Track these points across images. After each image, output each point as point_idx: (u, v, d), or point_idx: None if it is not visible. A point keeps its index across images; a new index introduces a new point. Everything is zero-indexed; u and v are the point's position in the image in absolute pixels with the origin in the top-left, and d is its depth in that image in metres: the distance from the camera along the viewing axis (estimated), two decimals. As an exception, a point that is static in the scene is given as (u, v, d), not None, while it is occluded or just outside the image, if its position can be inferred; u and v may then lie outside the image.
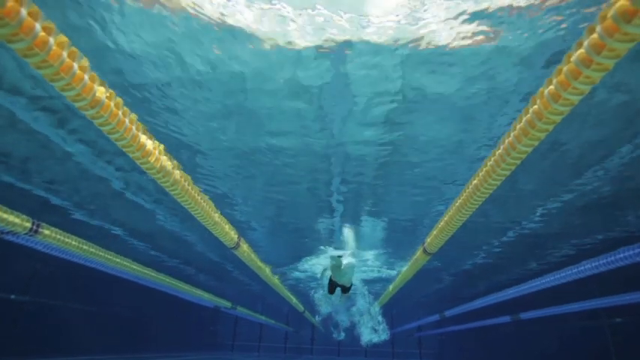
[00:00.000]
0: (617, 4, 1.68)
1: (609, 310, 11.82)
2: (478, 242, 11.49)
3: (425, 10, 4.27)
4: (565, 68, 2.24)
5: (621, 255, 6.65)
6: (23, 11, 1.85)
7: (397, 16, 4.35)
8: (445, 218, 6.06)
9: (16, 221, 6.14)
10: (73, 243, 7.25)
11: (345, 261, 10.92)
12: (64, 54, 2.23)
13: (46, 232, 6.59)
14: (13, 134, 6.49)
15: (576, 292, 11.47)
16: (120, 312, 18.58)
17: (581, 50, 2.04)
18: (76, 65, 2.37)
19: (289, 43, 4.70)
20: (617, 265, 6.96)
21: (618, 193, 7.48)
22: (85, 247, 7.81)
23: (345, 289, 11.93)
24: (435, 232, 6.77)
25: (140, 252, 13.30)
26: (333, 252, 12.16)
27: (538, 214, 8.95)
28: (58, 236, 6.80)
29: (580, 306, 11.36)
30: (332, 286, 11.83)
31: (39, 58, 2.08)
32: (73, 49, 2.31)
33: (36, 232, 6.39)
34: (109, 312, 17.69)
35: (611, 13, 1.75)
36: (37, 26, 1.96)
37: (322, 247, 12.42)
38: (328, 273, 11.86)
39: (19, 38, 1.90)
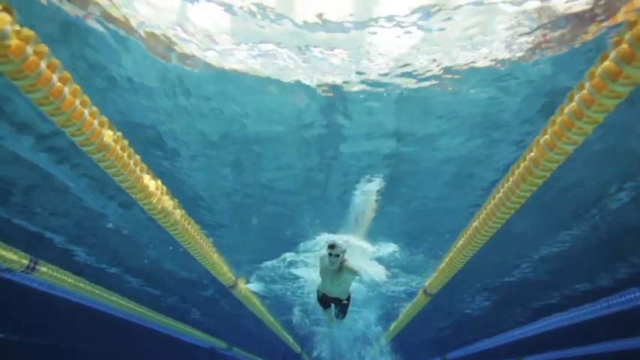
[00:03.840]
0: (603, 65, 1.78)
1: (615, 355, 11.47)
2: (479, 282, 11.33)
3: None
4: (559, 119, 2.33)
5: (622, 299, 6.56)
6: (42, 64, 1.95)
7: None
8: (446, 260, 6.03)
9: (14, 258, 6.08)
10: (70, 280, 7.16)
11: (344, 255, 6.66)
12: (77, 102, 2.33)
13: (43, 269, 6.52)
14: (16, 168, 6.53)
15: (581, 335, 11.18)
16: (109, 351, 17.96)
17: (573, 103, 2.14)
18: (86, 112, 2.46)
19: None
20: (621, 308, 6.86)
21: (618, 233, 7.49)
22: (81, 284, 7.70)
23: (341, 305, 7.91)
24: (435, 274, 6.71)
25: (134, 289, 13.05)
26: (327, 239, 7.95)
27: (538, 254, 8.91)
28: (55, 274, 6.73)
29: (586, 350, 11.05)
30: (323, 301, 7.95)
31: (53, 107, 2.17)
32: (85, 97, 2.41)
33: (33, 269, 6.32)
34: (95, 350, 17.07)
35: (598, 71, 1.85)
36: (54, 77, 2.06)
37: (312, 238, 8.82)
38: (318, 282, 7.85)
39: (37, 88, 2.00)
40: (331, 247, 6.30)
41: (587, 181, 6.18)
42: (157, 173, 3.79)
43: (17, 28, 1.76)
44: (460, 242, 5.10)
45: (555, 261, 8.93)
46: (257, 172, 6.70)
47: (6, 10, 1.70)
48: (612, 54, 1.68)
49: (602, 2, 3.66)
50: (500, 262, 9.56)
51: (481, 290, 11.89)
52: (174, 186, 6.49)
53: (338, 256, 6.37)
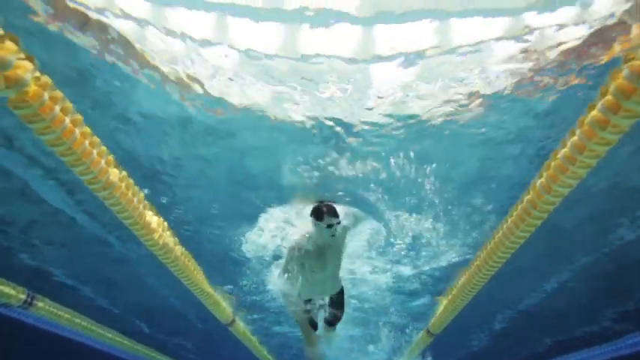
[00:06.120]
0: (592, 114, 1.86)
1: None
2: (482, 320, 11.08)
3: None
4: (553, 164, 2.40)
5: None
6: (57, 108, 2.05)
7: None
8: (449, 297, 5.96)
9: (11, 293, 6.02)
10: (66, 316, 7.06)
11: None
12: (87, 142, 2.42)
13: (40, 304, 6.44)
14: (19, 202, 6.56)
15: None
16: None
17: (566, 149, 2.21)
18: (95, 152, 2.55)
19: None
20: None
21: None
22: (77, 320, 7.58)
23: (334, 299, 5.40)
24: (438, 313, 6.61)
25: (132, 326, 12.77)
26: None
27: (542, 290, 8.76)
28: (52, 309, 6.64)
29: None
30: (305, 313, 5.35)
31: (64, 147, 2.25)
32: (95, 138, 2.50)
33: (30, 304, 6.25)
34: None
35: (587, 120, 1.93)
36: (67, 120, 2.16)
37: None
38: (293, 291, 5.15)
39: (50, 131, 2.09)
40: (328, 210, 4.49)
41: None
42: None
43: (37, 75, 1.86)
44: (462, 279, 5.07)
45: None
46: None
47: (28, 58, 1.81)
48: (599, 104, 1.77)
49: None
50: (503, 299, 9.39)
51: (483, 327, 11.61)
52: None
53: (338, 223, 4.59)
